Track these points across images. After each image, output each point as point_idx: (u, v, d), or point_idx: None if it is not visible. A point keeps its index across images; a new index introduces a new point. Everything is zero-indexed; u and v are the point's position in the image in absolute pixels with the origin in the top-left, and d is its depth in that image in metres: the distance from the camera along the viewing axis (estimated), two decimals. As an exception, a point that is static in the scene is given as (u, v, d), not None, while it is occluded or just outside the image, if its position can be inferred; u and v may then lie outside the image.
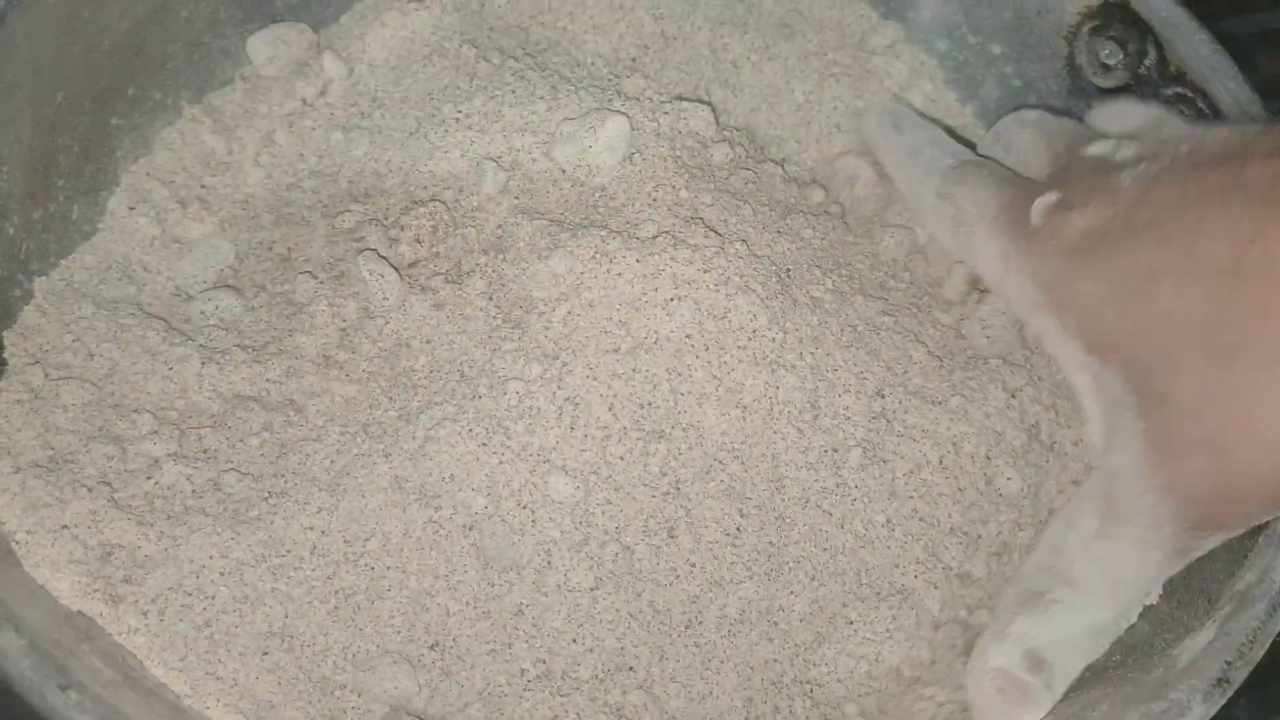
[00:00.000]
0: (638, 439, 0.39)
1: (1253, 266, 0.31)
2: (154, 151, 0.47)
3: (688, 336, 0.39)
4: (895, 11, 0.53)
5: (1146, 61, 0.47)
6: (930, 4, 0.53)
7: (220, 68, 0.49)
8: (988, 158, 0.45)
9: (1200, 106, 0.46)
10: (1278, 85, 0.61)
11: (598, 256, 0.40)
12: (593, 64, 0.50)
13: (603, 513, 0.39)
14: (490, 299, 0.41)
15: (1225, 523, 0.34)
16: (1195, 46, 0.46)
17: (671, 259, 0.40)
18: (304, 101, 0.48)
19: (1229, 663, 0.33)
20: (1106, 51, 0.48)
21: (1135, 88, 0.48)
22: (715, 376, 0.40)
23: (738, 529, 0.39)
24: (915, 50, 0.53)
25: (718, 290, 0.40)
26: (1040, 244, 0.38)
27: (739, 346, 0.40)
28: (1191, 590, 0.38)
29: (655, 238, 0.41)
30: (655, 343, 0.39)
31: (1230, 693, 0.33)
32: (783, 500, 0.40)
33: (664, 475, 0.39)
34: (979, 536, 0.41)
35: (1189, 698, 0.33)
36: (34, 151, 0.42)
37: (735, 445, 0.40)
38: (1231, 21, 0.60)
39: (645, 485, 0.39)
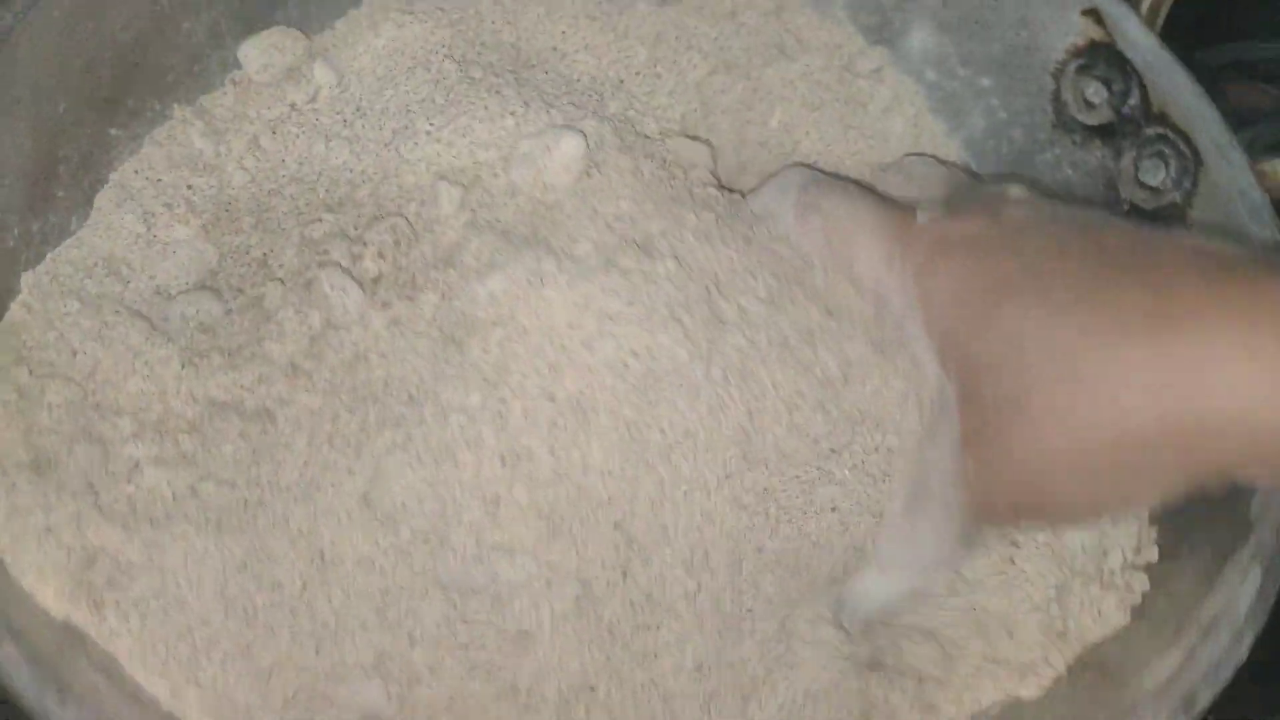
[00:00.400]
0: (583, 491, 0.39)
1: (1069, 306, 0.35)
2: (143, 149, 0.47)
3: (616, 388, 0.39)
4: (886, 40, 0.54)
5: (1131, 101, 0.48)
6: (921, 35, 0.54)
7: (218, 79, 0.50)
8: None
9: (1181, 149, 0.47)
10: (1246, 115, 0.63)
11: (531, 280, 0.40)
12: (579, 80, 0.50)
13: (557, 552, 0.39)
14: (436, 317, 0.41)
15: (993, 518, 0.39)
16: (1179, 90, 0.47)
17: (601, 289, 0.40)
18: (292, 106, 0.49)
19: (1195, 687, 0.34)
20: (1091, 89, 0.49)
21: (1118, 125, 0.49)
22: (647, 432, 0.39)
23: (696, 590, 0.40)
24: (901, 76, 0.54)
25: (640, 324, 0.40)
26: (922, 239, 0.40)
27: (667, 400, 0.39)
28: (1161, 615, 0.39)
29: (587, 258, 0.41)
30: (589, 393, 0.39)
31: (1196, 717, 0.34)
32: (732, 569, 0.40)
33: (617, 529, 0.39)
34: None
35: (1155, 718, 0.33)
36: (35, 163, 0.42)
37: (675, 518, 0.40)
38: (1202, 52, 0.62)
39: (597, 534, 0.39)
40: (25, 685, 0.31)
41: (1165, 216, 0.48)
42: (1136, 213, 0.48)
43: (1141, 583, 0.42)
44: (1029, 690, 0.41)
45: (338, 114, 0.48)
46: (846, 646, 0.41)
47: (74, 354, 0.41)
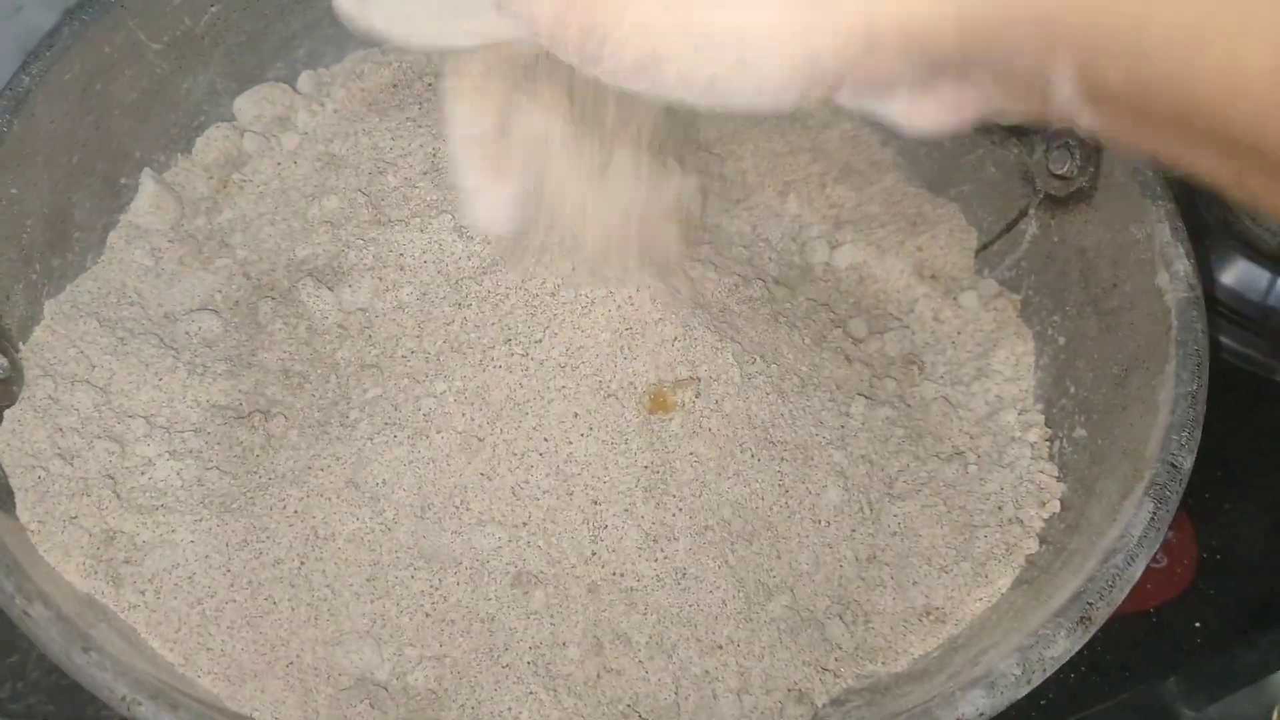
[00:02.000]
0: (548, 470, 0.43)
1: None
2: (150, 193, 0.52)
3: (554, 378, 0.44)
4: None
5: (1037, 99, 0.53)
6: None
7: (215, 130, 0.56)
8: None
9: (1083, 138, 0.51)
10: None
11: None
12: None
13: (525, 526, 0.43)
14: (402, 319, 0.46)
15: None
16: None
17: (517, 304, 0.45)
18: (280, 149, 0.55)
19: (1090, 604, 0.38)
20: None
21: (1029, 124, 0.54)
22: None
23: (660, 556, 0.43)
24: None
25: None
26: None
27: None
28: (1069, 551, 0.42)
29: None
30: (528, 384, 0.44)
31: (1093, 630, 0.37)
32: (695, 533, 0.44)
33: (588, 504, 0.43)
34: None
35: (1054, 633, 0.37)
36: (53, 208, 0.48)
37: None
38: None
39: (565, 508, 0.43)
40: (53, 640, 0.35)
41: (1076, 200, 0.52)
42: (1050, 200, 0.53)
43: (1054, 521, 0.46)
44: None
45: (318, 145, 0.54)
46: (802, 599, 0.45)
47: (93, 367, 0.46)
